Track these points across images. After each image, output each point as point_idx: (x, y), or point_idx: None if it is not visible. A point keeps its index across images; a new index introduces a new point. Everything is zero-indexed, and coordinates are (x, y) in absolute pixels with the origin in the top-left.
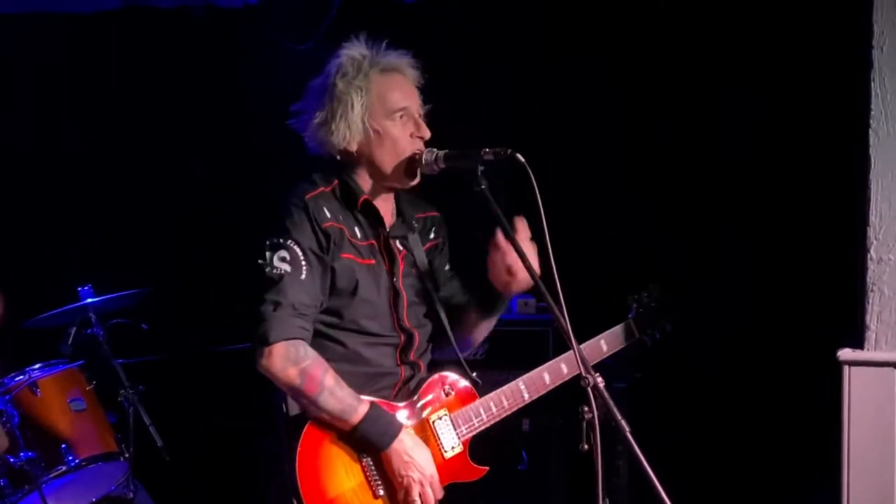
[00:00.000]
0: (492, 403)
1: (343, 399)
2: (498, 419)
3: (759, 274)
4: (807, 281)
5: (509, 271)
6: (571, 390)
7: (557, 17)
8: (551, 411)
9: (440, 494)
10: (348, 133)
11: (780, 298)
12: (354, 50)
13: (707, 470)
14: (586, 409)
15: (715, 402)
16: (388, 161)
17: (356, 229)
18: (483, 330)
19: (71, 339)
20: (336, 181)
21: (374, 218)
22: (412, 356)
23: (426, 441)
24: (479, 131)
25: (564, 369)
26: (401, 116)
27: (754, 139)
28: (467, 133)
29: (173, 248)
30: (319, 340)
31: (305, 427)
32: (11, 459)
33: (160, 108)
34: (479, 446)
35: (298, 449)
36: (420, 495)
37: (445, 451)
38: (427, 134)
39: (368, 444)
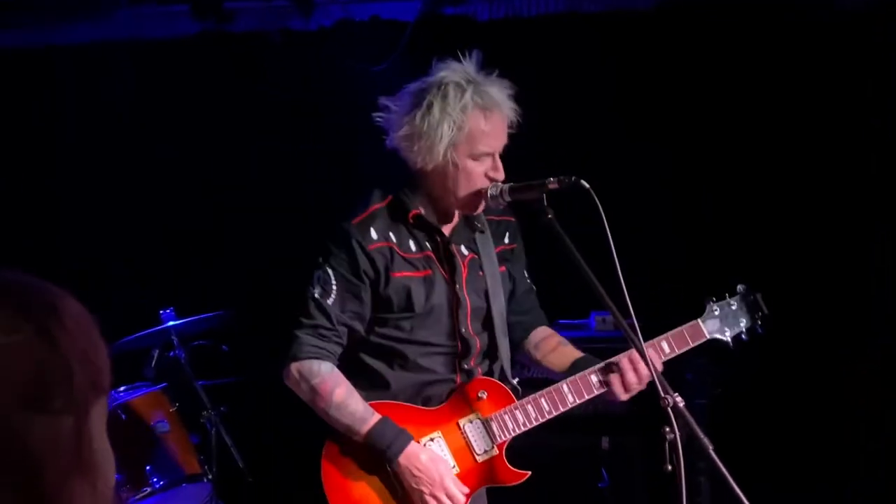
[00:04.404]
0: (530, 407)
1: (352, 413)
2: (537, 423)
3: (824, 278)
4: (869, 283)
5: (626, 387)
6: (651, 408)
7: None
8: (631, 429)
9: (461, 501)
10: (428, 157)
11: (842, 303)
12: (461, 74)
13: (793, 484)
14: (668, 429)
15: (799, 414)
16: (457, 192)
17: (410, 242)
18: (536, 368)
19: (154, 362)
20: (390, 197)
21: (428, 228)
22: (472, 362)
23: (456, 444)
24: (544, 153)
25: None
26: (483, 158)
27: (811, 139)
28: (533, 153)
29: (253, 270)
30: (383, 353)
31: (325, 443)
32: None
33: (239, 132)
34: (558, 462)
35: (322, 461)
36: None
37: (477, 455)
38: (502, 176)
39: (379, 455)
